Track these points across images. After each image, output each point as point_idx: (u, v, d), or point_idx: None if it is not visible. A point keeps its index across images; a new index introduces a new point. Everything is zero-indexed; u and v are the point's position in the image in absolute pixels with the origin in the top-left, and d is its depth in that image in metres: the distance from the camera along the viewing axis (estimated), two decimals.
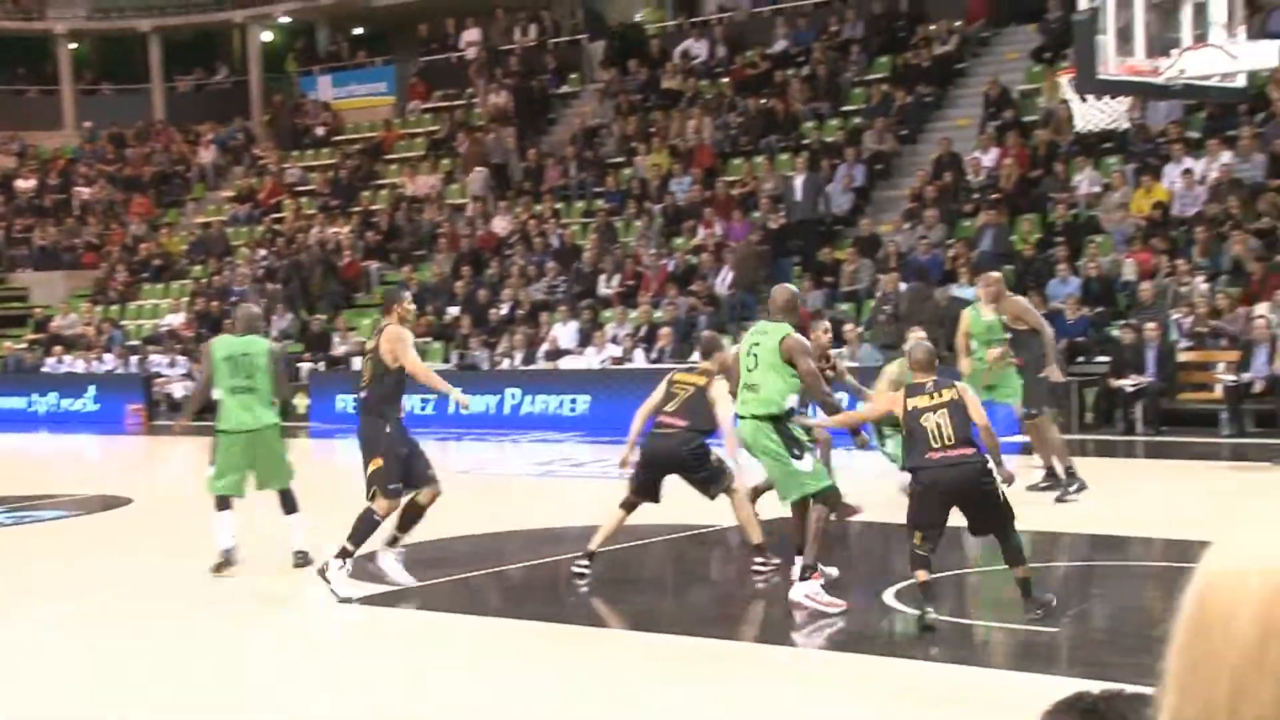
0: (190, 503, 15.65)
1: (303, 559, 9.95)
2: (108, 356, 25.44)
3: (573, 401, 19.89)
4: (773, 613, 8.73)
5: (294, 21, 33.48)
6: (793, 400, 8.21)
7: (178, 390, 23.79)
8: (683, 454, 9.09)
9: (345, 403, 22.12)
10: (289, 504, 10.07)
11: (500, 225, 25.08)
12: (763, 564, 9.10)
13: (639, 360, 19.99)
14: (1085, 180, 19.49)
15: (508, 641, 8.07)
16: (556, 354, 20.91)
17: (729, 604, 9.20)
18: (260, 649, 8.14)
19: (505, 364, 21.33)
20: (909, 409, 7.60)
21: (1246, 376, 15.18)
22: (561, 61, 29.02)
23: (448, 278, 24.02)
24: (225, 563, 9.76)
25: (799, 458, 8.15)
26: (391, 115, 30.77)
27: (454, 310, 23.01)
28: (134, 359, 25.12)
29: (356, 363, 22.73)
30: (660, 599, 9.41)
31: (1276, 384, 14.15)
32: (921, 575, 7.51)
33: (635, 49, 27.86)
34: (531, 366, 21.01)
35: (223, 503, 9.91)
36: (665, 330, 20.07)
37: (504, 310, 22.55)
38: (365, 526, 8.95)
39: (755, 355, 8.29)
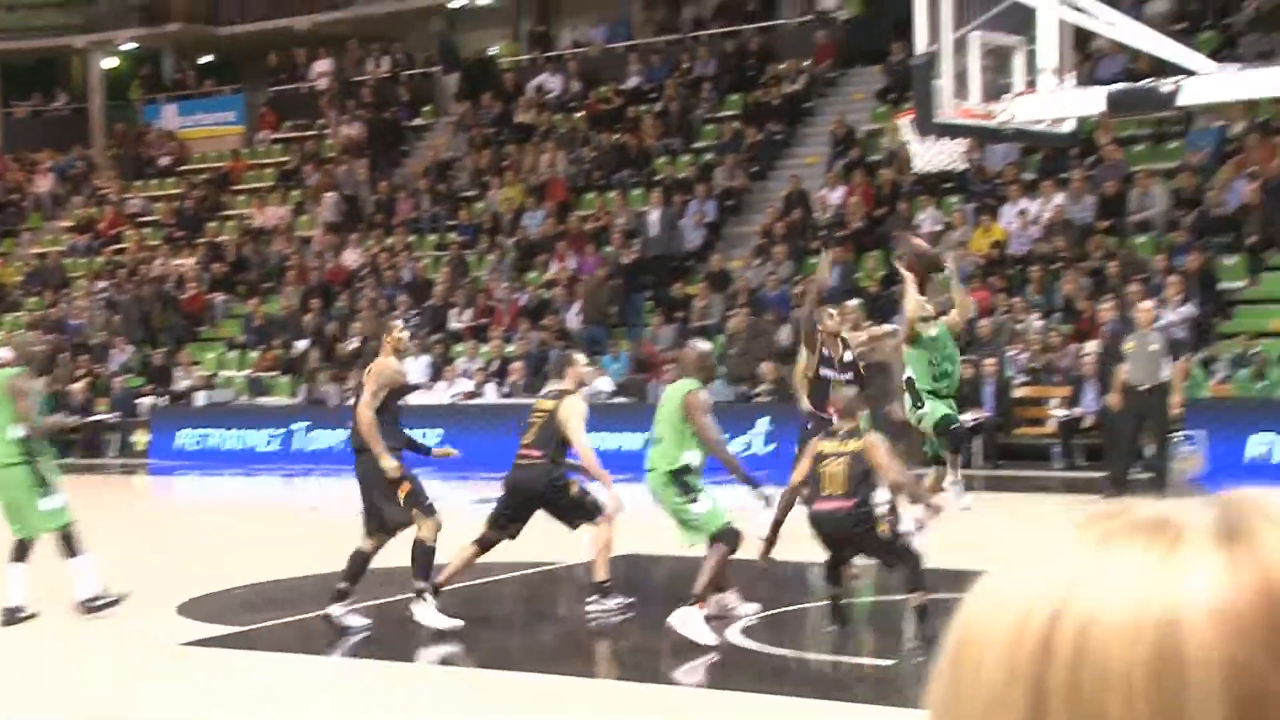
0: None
1: (90, 606, 9.29)
2: None
3: (423, 436, 19.64)
4: (620, 649, 8.73)
5: (139, 48, 32.78)
6: (689, 457, 8.29)
7: None
8: (541, 486, 8.97)
9: (186, 439, 21.66)
10: (67, 548, 9.25)
11: (350, 258, 24.81)
12: (597, 602, 9.02)
13: (490, 395, 19.91)
14: (928, 219, 19.98)
15: (354, 682, 7.94)
16: (407, 389, 20.69)
17: (580, 641, 9.18)
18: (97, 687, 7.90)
19: (353, 399, 21.04)
20: (818, 450, 7.99)
21: (1077, 411, 15.71)
22: (415, 94, 28.88)
23: (296, 311, 23.67)
24: (8, 621, 9.11)
25: (695, 503, 8.27)
26: (240, 145, 30.28)
27: (302, 344, 22.68)
28: None
29: (200, 397, 22.28)
30: (511, 636, 9.35)
31: (1104, 419, 14.63)
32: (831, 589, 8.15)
33: (489, 82, 27.86)
34: None
35: (18, 550, 9.25)
36: (517, 364, 20.03)
37: (353, 344, 22.29)
38: (423, 557, 8.71)
39: (664, 409, 8.43)
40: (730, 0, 26.13)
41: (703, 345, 9.23)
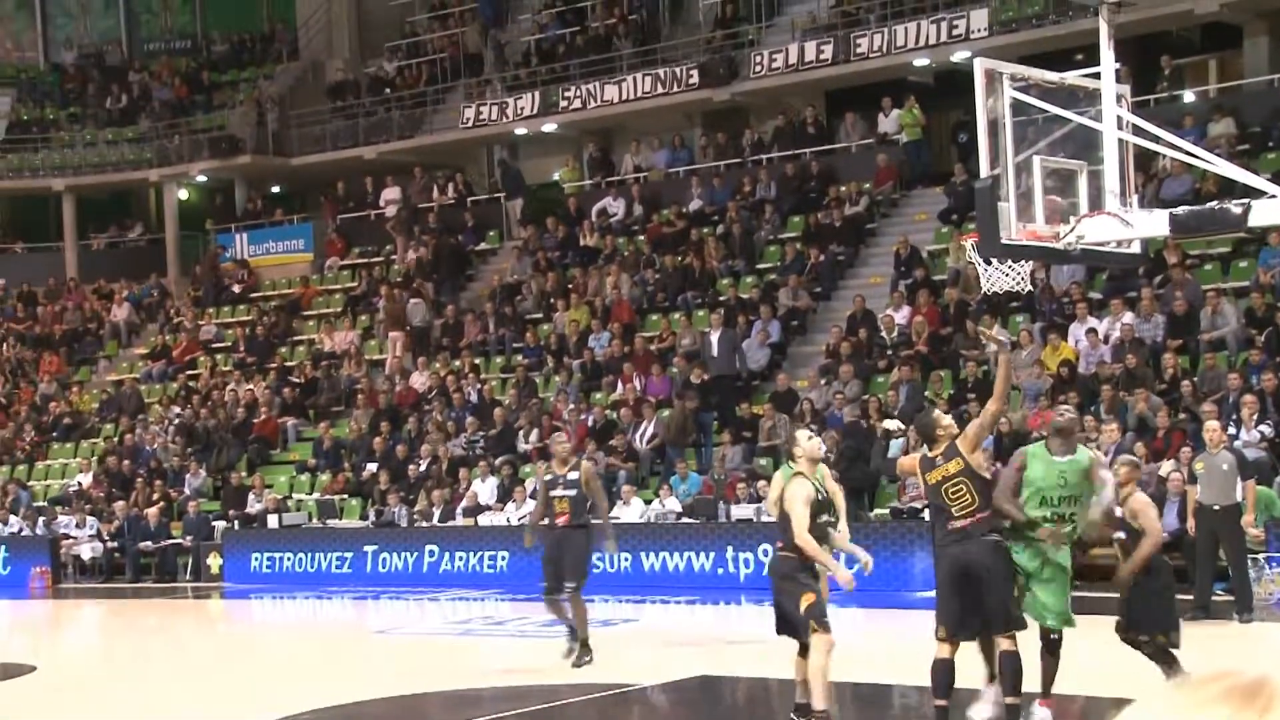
0: (96, 669, 15.29)
1: None
2: (13, 518, 24.84)
3: (492, 558, 19.75)
4: None
5: (211, 180, 33.68)
6: None
7: (85, 551, 23.31)
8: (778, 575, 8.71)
9: (260, 561, 21.83)
10: None
11: (419, 381, 25.11)
12: None
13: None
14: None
15: None
16: (476, 510, 20.82)
17: None
18: None
19: (423, 521, 21.18)
20: None
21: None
22: (479, 219, 29.42)
23: (365, 434, 23.93)
24: None
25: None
26: (309, 272, 30.88)
27: (372, 466, 22.89)
28: (41, 520, 24.56)
29: (272, 520, 22.44)
30: None
31: (1182, 539, 14.40)
32: None
33: (552, 207, 28.33)
34: (450, 523, 20.88)
35: None
36: None
37: (422, 466, 22.47)
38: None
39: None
40: (789, 125, 26.52)
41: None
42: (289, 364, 27.60)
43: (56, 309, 32.35)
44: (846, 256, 23.75)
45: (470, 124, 29.52)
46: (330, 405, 25.77)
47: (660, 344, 23.07)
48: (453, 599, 18.71)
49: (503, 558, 19.66)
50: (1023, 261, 11.33)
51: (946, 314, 20.92)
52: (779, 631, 8.65)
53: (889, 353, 20.87)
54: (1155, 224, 10.07)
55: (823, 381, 20.70)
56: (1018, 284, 11.65)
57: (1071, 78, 10.10)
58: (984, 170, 10.12)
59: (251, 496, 23.23)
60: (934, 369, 20.08)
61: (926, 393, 19.64)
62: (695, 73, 26.74)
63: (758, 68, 26.21)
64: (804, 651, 8.37)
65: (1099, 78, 9.86)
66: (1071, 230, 9.99)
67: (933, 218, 23.42)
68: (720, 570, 17.84)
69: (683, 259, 24.82)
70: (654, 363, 22.48)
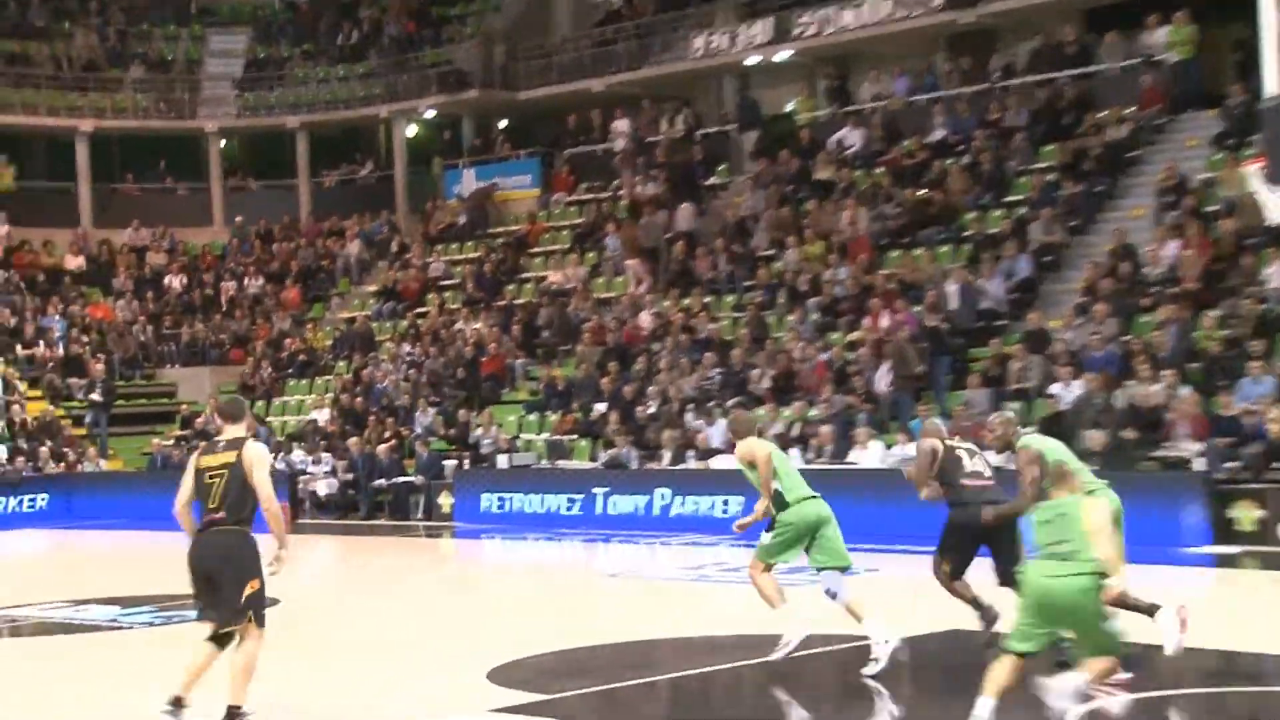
0: (334, 604, 15.16)
1: None
2: None
3: (725, 503, 18.99)
4: None
5: (439, 115, 33.59)
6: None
7: (321, 488, 23.42)
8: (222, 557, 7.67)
9: (490, 501, 21.58)
10: None
11: (648, 319, 24.46)
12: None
13: (794, 460, 19.06)
14: (1277, 273, 18.24)
15: None
16: (708, 453, 20.10)
17: None
18: None
19: (653, 463, 20.57)
20: None
21: None
22: (709, 152, 28.57)
23: (593, 372, 23.43)
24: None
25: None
26: (536, 208, 30.53)
27: (600, 407, 22.36)
28: (279, 456, 24.81)
29: (502, 460, 22.13)
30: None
31: None
32: None
33: (786, 139, 27.27)
34: (681, 466, 20.23)
35: None
36: (825, 429, 19.16)
37: (651, 407, 21.85)
38: None
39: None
40: (1046, 47, 24.86)
41: None
42: (516, 301, 27.30)
43: (291, 246, 32.80)
44: (1105, 187, 22.13)
45: (700, 54, 28.65)
46: (558, 343, 25.35)
47: (900, 281, 21.88)
48: (685, 544, 18.09)
49: (736, 502, 18.88)
50: None
51: (1221, 247, 19.20)
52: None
53: (1153, 290, 19.32)
54: None
55: (1078, 321, 19.30)
56: None
57: None
58: (1270, 89, 8.98)
59: (480, 435, 22.97)
60: (1206, 308, 18.45)
61: (1196, 333, 18.07)
62: None
63: None
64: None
65: None
66: None
67: (1204, 143, 21.64)
68: None
69: (924, 192, 23.52)
70: (895, 300, 21.32)
